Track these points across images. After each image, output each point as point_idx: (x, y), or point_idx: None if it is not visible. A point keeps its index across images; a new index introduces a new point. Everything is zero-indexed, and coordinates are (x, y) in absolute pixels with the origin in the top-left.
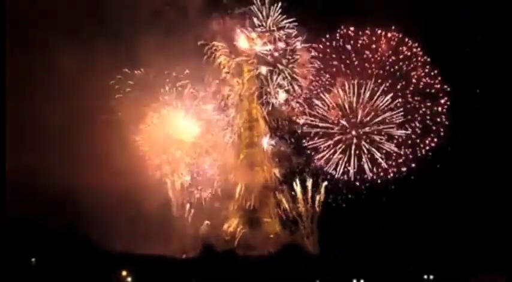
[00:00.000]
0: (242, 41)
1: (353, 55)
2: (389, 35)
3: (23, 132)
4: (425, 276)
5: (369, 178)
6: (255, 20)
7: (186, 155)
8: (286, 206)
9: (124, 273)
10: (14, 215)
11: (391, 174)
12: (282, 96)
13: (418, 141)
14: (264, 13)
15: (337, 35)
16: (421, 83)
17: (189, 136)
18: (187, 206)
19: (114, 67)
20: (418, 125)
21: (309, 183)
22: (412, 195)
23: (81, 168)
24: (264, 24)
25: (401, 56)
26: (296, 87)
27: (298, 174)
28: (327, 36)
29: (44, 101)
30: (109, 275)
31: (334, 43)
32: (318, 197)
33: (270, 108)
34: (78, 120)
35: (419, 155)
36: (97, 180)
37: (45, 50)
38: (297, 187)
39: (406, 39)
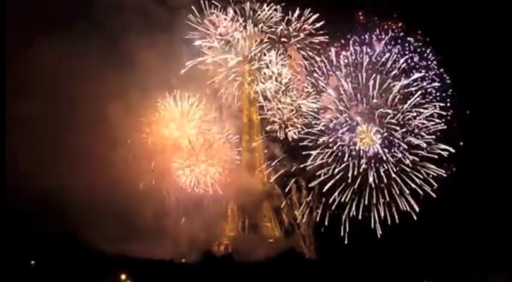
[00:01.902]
0: (237, 40)
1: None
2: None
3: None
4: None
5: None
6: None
7: (182, 159)
8: (283, 211)
9: (123, 276)
10: (13, 217)
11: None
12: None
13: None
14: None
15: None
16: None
17: (185, 140)
18: (185, 210)
19: (105, 70)
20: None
21: (304, 188)
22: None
23: (78, 171)
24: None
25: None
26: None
27: (293, 178)
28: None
29: (37, 102)
30: (108, 278)
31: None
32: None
33: (266, 111)
34: (73, 124)
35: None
36: (94, 184)
37: (31, 49)
38: (293, 192)
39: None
